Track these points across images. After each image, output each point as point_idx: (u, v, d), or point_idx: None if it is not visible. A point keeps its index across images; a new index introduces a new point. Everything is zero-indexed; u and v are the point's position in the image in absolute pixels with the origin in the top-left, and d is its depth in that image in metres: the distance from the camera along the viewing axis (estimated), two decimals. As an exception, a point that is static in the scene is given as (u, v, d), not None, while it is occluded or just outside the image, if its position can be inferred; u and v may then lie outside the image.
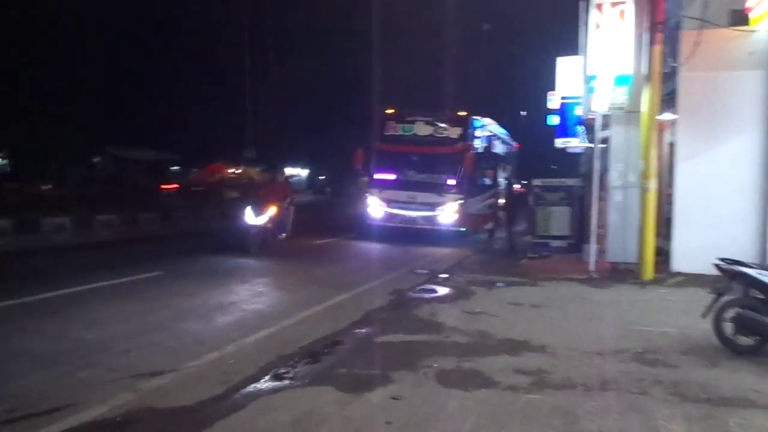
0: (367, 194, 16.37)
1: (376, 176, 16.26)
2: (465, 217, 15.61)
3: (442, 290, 8.99)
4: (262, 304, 7.94)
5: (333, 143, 31.05)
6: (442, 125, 16.19)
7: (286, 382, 4.77)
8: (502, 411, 4.20)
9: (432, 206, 15.38)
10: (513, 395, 4.53)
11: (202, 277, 9.66)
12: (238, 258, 11.48)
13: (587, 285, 9.39)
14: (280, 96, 32.83)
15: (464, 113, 16.39)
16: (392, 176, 16.08)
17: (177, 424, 3.86)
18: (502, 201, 17.07)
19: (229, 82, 33.06)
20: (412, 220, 15.56)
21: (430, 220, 15.46)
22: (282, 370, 5.01)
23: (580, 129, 18.01)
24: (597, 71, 9.90)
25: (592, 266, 10.22)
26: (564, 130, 20.55)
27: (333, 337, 6.14)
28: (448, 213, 15.37)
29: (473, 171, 15.99)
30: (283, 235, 13.08)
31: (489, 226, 17.42)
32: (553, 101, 20.73)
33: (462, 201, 15.47)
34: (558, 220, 13.30)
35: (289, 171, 31.06)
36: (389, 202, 15.75)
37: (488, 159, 18.09)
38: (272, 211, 12.36)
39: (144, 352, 5.53)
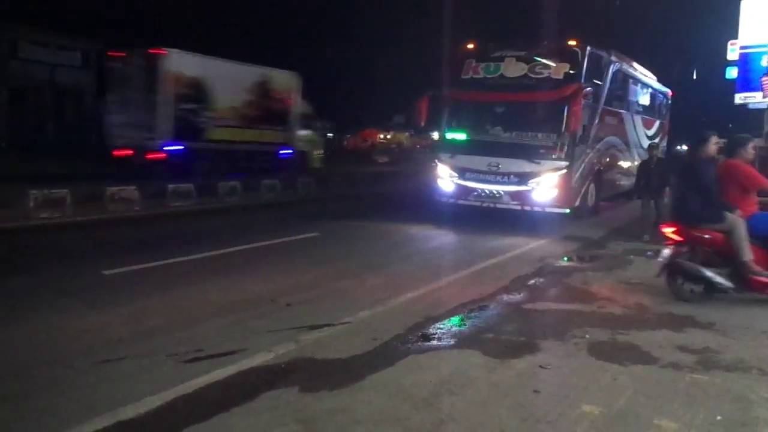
0: (435, 161, 12.47)
1: (448, 136, 12.29)
2: (569, 192, 11.47)
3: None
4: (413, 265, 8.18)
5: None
6: (543, 61, 11.66)
7: (434, 342, 4.89)
8: (662, 389, 3.93)
9: (522, 178, 11.26)
10: (674, 373, 4.21)
11: (353, 239, 10.16)
12: (386, 222, 11.87)
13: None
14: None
15: (574, 42, 11.75)
16: (467, 136, 12.03)
17: (332, 375, 4.16)
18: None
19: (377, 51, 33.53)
20: (494, 196, 11.48)
21: (519, 196, 11.31)
22: (430, 331, 5.15)
23: (766, 81, 15.71)
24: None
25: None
26: (746, 84, 18.08)
27: (480, 301, 6.16)
28: (545, 186, 11.22)
29: (588, 126, 12.07)
30: None
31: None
32: (735, 51, 18.29)
33: (566, 170, 11.24)
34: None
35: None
36: (463, 171, 11.77)
37: (618, 109, 14.21)
38: None
39: (304, 307, 5.99)
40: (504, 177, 11.34)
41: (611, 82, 13.33)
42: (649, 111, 17.75)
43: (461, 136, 12.10)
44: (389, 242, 9.93)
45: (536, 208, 11.30)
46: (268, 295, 6.41)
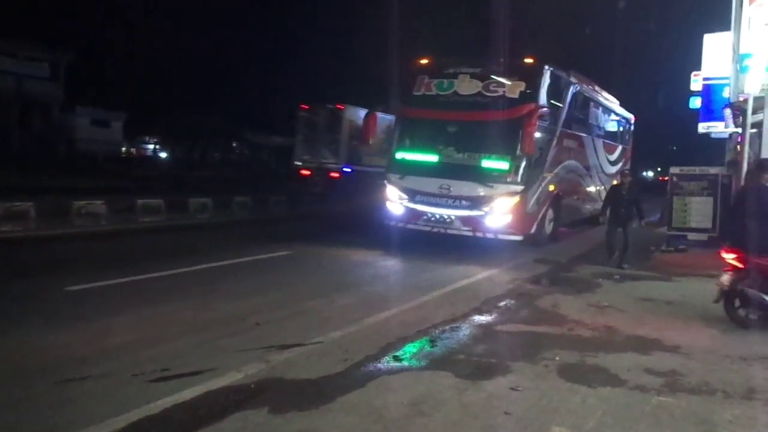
0: (384, 182, 11.59)
1: (397, 155, 11.57)
2: (524, 218, 10.85)
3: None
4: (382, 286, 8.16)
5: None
6: (498, 79, 10.99)
7: (405, 363, 4.88)
8: (629, 411, 3.99)
9: (474, 202, 10.54)
10: (642, 396, 4.28)
11: (326, 258, 10.11)
12: (359, 243, 11.86)
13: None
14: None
15: (531, 61, 11.30)
16: (419, 156, 11.31)
17: (302, 396, 4.10)
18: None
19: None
20: (444, 221, 10.74)
21: (471, 221, 10.60)
22: (400, 353, 5.13)
23: (728, 112, 16.29)
24: (752, 49, 8.94)
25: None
26: (708, 114, 18.70)
27: (452, 322, 6.17)
28: (498, 212, 10.48)
29: (545, 148, 11.55)
30: None
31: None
32: (698, 82, 18.93)
33: (520, 195, 10.57)
34: (698, 211, 12.17)
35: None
36: (413, 193, 10.97)
37: (578, 133, 13.77)
38: None
39: (274, 326, 5.91)
40: (455, 201, 10.63)
41: (570, 104, 12.87)
42: (612, 136, 17.54)
43: (411, 156, 11.42)
44: (361, 262, 9.91)
45: (488, 235, 10.62)
46: (239, 312, 6.32)
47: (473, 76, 11.10)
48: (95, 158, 31.40)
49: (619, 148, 18.43)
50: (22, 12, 29.24)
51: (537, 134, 10.78)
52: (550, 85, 11.38)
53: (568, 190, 13.54)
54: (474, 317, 6.47)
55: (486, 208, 10.47)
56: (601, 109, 15.96)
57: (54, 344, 5.13)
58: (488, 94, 10.91)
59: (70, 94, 32.70)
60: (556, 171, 12.33)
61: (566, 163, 13.13)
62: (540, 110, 10.78)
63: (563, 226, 13.64)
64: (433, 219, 10.79)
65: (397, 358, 4.98)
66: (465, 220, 10.62)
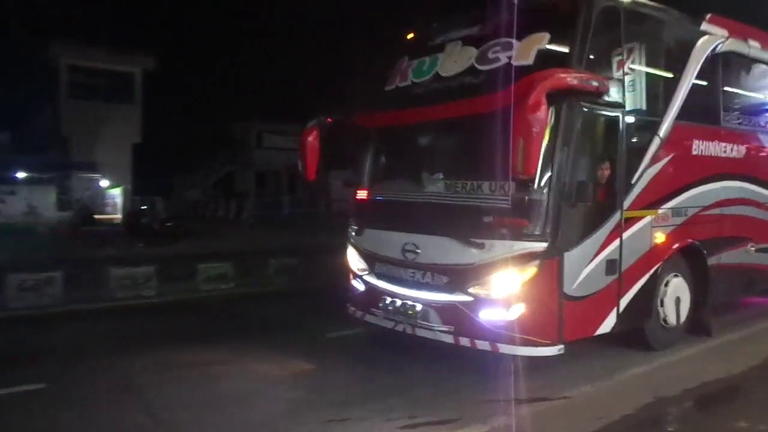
0: (349, 239, 6.98)
1: (358, 194, 7.05)
2: (555, 308, 5.31)
3: None
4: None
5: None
6: (502, 40, 5.75)
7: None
8: None
9: (456, 276, 5.59)
10: None
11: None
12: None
13: None
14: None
15: None
16: (379, 192, 6.84)
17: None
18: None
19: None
20: (408, 312, 5.93)
21: (452, 315, 5.61)
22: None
23: None
24: None
25: None
26: None
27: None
28: (501, 297, 5.34)
29: (620, 158, 5.80)
30: None
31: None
32: None
33: (545, 259, 5.25)
34: None
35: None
36: (372, 260, 6.48)
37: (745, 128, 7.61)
38: None
39: (516, 378, 5.69)
40: (425, 273, 5.80)
41: (708, 74, 6.94)
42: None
43: (372, 193, 6.89)
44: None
45: (482, 345, 5.42)
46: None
47: (466, 41, 6.19)
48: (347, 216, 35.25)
49: None
50: (289, 98, 34.68)
51: (581, 132, 5.40)
52: (631, 27, 5.93)
53: (725, 234, 7.16)
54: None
55: (478, 289, 5.43)
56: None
57: (321, 386, 5.68)
58: (483, 67, 5.83)
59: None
60: (677, 203, 6.48)
61: (713, 186, 6.97)
62: (581, 79, 5.19)
63: (724, 300, 7.47)
64: (391, 307, 6.07)
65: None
66: (442, 312, 5.67)
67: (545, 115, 4.74)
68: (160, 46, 38.48)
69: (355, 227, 6.80)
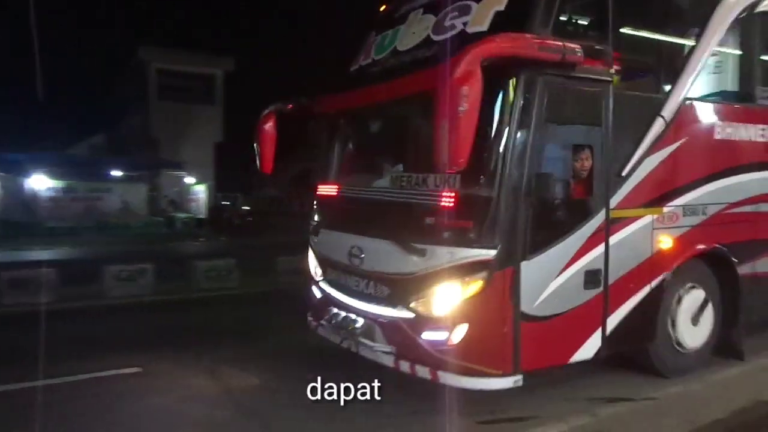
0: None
1: (319, 189, 6.17)
2: (506, 332, 4.26)
3: None
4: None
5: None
6: (460, 4, 4.75)
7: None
8: None
9: (396, 287, 4.65)
10: None
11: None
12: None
13: None
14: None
15: None
16: (332, 188, 6.04)
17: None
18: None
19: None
20: (348, 327, 5.04)
21: (393, 333, 4.66)
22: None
23: None
24: None
25: None
26: None
27: None
28: (442, 316, 4.35)
29: (605, 143, 4.59)
30: None
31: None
32: None
33: (495, 270, 4.19)
34: None
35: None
36: (324, 264, 5.75)
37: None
38: None
39: (598, 377, 5.52)
40: (368, 282, 4.95)
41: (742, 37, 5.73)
42: None
43: (327, 189, 6.08)
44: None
45: (422, 372, 4.47)
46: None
47: (427, 9, 5.21)
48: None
49: None
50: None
51: (547, 112, 4.28)
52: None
53: (763, 237, 5.80)
54: None
55: (418, 305, 4.50)
56: None
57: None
58: (438, 37, 4.87)
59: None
60: (690, 199, 5.24)
61: (744, 178, 5.64)
62: (538, 47, 4.09)
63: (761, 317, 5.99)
64: (334, 320, 5.25)
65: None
66: (384, 329, 4.76)
67: (477, 91, 3.70)
68: (238, 47, 39.81)
69: (312, 227, 5.98)
